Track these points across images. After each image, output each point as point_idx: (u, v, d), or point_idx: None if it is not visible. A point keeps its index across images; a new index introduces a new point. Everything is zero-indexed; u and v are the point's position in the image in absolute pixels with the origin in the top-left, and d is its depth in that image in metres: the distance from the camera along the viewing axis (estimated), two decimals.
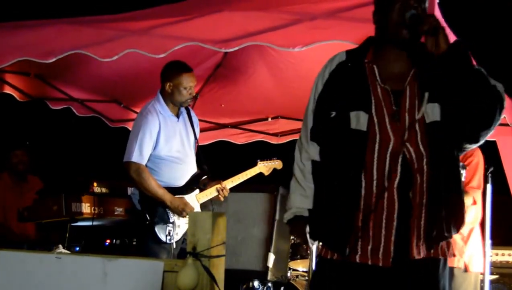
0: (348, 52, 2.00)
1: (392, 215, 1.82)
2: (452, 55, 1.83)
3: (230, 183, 3.66)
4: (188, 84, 3.40)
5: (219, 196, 3.53)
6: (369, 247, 1.83)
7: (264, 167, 3.99)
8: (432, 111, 1.87)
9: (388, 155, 1.83)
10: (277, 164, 4.08)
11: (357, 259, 1.85)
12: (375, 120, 1.87)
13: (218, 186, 3.51)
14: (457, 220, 1.91)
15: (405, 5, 1.90)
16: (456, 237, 3.68)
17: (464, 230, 3.77)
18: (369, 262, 1.84)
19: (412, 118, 1.87)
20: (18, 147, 4.77)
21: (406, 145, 1.84)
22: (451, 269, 3.72)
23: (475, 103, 1.82)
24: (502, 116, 3.63)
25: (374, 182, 1.83)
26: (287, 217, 2.07)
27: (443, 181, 1.87)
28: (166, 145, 3.36)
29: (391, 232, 1.82)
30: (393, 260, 1.82)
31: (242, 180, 3.77)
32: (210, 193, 3.53)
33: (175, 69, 3.39)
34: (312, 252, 3.65)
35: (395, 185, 1.82)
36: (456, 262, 3.74)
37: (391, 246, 1.82)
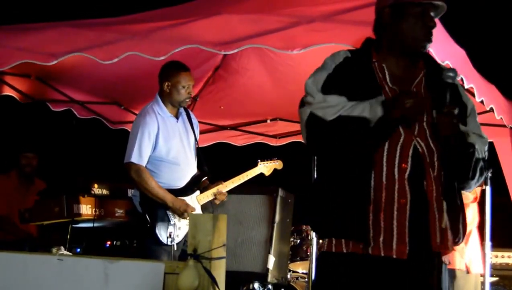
0: (352, 52, 2.01)
1: (404, 207, 1.81)
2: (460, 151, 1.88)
3: (231, 183, 3.66)
4: (186, 83, 3.41)
5: (215, 200, 3.53)
6: (381, 239, 1.81)
7: (264, 167, 4.00)
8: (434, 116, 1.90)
9: (398, 147, 1.84)
10: (278, 164, 4.09)
11: (370, 251, 1.83)
12: None
13: (215, 190, 3.52)
14: (464, 229, 1.94)
15: (426, 22, 1.91)
16: None
17: None
18: (382, 254, 1.82)
19: (420, 118, 1.89)
20: (29, 150, 4.78)
21: (417, 139, 1.86)
22: (453, 271, 3.74)
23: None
24: (499, 117, 3.65)
25: (384, 173, 1.82)
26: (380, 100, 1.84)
27: (454, 181, 1.89)
28: (165, 146, 3.37)
29: (404, 224, 1.81)
30: (409, 252, 1.81)
31: (243, 181, 3.77)
32: (211, 194, 3.53)
33: (172, 68, 3.41)
34: (312, 253, 3.67)
35: (406, 177, 1.82)
36: (457, 264, 3.75)
37: (406, 238, 1.81)
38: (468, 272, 3.85)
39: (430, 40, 1.93)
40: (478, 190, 3.72)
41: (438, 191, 1.85)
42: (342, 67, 1.94)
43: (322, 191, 1.93)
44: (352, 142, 1.84)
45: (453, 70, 1.89)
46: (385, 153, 1.84)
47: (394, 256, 1.82)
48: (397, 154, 1.83)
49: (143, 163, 3.31)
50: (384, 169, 1.83)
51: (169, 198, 3.31)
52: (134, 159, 3.29)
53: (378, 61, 1.95)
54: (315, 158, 3.48)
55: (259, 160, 4.00)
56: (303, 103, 1.92)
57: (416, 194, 1.82)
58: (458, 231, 1.90)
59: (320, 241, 1.99)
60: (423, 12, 1.92)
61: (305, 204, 2.03)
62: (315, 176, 3.33)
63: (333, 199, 1.88)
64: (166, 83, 3.42)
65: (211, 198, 3.54)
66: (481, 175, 1.94)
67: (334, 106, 1.85)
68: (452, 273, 3.75)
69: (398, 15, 1.93)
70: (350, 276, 1.86)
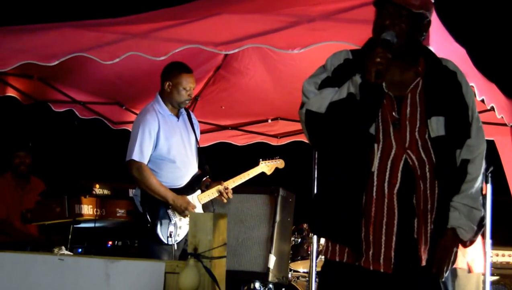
0: (353, 53, 2.00)
1: (392, 221, 1.83)
2: None
3: (232, 183, 3.66)
4: (188, 85, 3.42)
5: (222, 197, 3.53)
6: (370, 252, 1.84)
7: (266, 166, 4.00)
8: (436, 125, 1.89)
9: (389, 161, 1.85)
10: (279, 163, 4.09)
11: (362, 264, 1.86)
12: (380, 126, 1.89)
13: (221, 187, 3.52)
14: None
15: (382, 25, 1.91)
16: None
17: None
18: (371, 268, 1.85)
19: (413, 127, 1.89)
20: (20, 149, 4.78)
21: (407, 152, 1.86)
22: (455, 270, 3.72)
23: None
24: (500, 116, 3.65)
25: (374, 188, 1.85)
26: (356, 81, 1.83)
27: (449, 190, 1.90)
28: (166, 144, 3.37)
29: (392, 238, 1.83)
30: (394, 267, 1.83)
31: (244, 180, 3.77)
32: (212, 193, 3.54)
33: (175, 69, 3.42)
34: (313, 252, 3.67)
35: (395, 191, 1.84)
36: (459, 263, 3.74)
37: (392, 252, 1.83)
38: (470, 271, 3.83)
39: (393, 27, 1.89)
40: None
41: (429, 203, 1.87)
42: (342, 69, 1.94)
43: (321, 196, 1.96)
44: (346, 123, 1.82)
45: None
46: (377, 167, 1.85)
47: (382, 270, 1.84)
48: (387, 169, 1.85)
49: (145, 161, 3.32)
50: (375, 183, 1.85)
51: (170, 196, 3.32)
52: (135, 156, 3.29)
53: None
54: (316, 156, 3.48)
55: (260, 159, 4.00)
56: (301, 105, 1.94)
57: (405, 208, 1.84)
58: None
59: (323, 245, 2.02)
60: (384, 9, 1.92)
61: (308, 205, 2.05)
62: (316, 175, 3.34)
63: (330, 207, 1.91)
64: (167, 83, 3.43)
65: (212, 197, 3.54)
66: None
67: (327, 98, 1.85)
68: (454, 272, 3.74)
69: (375, 14, 1.97)
70: (342, 285, 1.90)
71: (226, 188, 3.53)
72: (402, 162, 1.85)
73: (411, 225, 1.85)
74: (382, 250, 1.84)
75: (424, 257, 1.86)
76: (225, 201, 3.55)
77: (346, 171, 1.88)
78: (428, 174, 1.87)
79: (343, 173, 1.89)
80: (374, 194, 1.85)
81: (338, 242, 1.91)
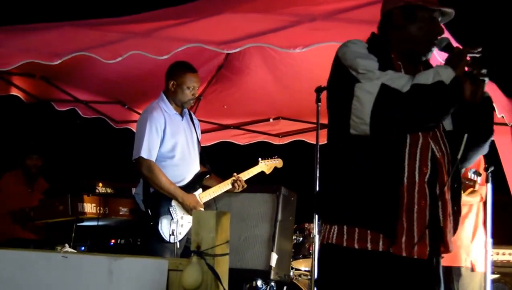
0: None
1: (424, 209, 1.84)
2: (483, 109, 1.91)
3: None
4: (192, 84, 3.44)
5: (235, 185, 3.57)
6: (403, 239, 1.84)
7: (265, 166, 4.02)
8: (447, 120, 1.94)
9: (418, 150, 1.86)
10: (278, 162, 4.11)
11: (391, 250, 1.84)
12: None
13: (233, 178, 3.56)
14: (456, 230, 1.99)
15: (438, 33, 1.91)
16: (463, 235, 3.71)
17: (469, 228, 3.79)
18: (403, 254, 1.84)
19: None
20: (34, 151, 4.82)
21: (433, 142, 1.89)
22: (459, 269, 3.73)
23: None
24: (500, 115, 3.66)
25: (406, 174, 1.84)
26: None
27: (460, 183, 1.94)
28: (171, 141, 3.38)
29: (425, 225, 1.84)
30: (429, 253, 1.85)
31: (244, 179, 3.79)
32: (214, 192, 3.56)
33: (180, 68, 3.43)
34: (314, 251, 3.69)
35: (426, 180, 1.85)
36: (463, 262, 3.75)
37: (427, 239, 1.85)
38: (473, 270, 3.84)
39: (433, 47, 1.92)
40: (483, 191, 3.73)
41: (448, 194, 1.90)
42: (371, 52, 1.90)
43: (351, 185, 1.88)
44: (431, 110, 1.80)
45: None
46: (406, 155, 1.85)
47: (415, 256, 1.84)
48: (417, 157, 1.85)
49: (153, 158, 3.32)
50: (406, 170, 1.84)
51: (179, 193, 3.34)
52: (144, 154, 3.29)
53: (394, 57, 1.94)
54: (318, 156, 3.49)
55: (260, 158, 4.02)
56: (356, 79, 1.83)
57: (433, 197, 1.86)
58: (454, 233, 1.96)
59: (328, 229, 1.92)
60: (431, 17, 1.92)
61: (320, 193, 2.00)
62: (317, 173, 3.35)
63: (363, 195, 1.85)
64: (172, 82, 3.44)
65: (214, 195, 3.56)
66: None
67: (403, 77, 1.81)
68: (458, 271, 3.75)
69: (408, 18, 1.93)
70: (366, 273, 1.86)
71: (239, 179, 3.55)
72: (430, 151, 1.87)
73: (438, 214, 1.87)
74: (416, 237, 1.84)
75: (451, 244, 1.90)
76: (240, 189, 3.58)
77: (381, 158, 1.85)
78: (447, 165, 1.90)
79: (378, 161, 1.85)
80: (405, 180, 1.84)
81: (372, 229, 1.85)
